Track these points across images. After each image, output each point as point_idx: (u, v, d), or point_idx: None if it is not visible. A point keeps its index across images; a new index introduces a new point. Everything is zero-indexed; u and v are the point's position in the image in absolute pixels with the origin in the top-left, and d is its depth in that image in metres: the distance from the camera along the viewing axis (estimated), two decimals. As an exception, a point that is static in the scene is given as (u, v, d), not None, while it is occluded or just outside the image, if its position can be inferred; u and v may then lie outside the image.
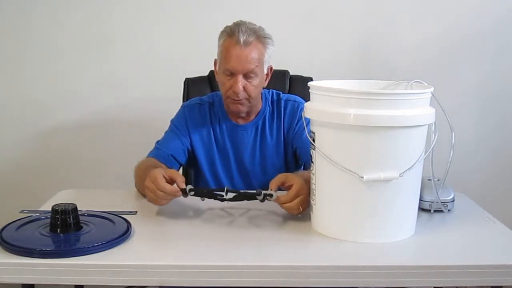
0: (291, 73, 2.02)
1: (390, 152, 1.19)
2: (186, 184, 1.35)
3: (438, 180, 1.40)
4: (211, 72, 1.72)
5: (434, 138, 1.23)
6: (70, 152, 2.49)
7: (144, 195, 1.48)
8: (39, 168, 2.49)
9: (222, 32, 1.63)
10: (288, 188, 1.34)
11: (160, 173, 1.35)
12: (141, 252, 1.18)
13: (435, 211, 1.41)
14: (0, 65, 2.42)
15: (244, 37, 1.55)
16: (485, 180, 2.56)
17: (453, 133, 1.24)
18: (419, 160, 1.21)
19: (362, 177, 1.17)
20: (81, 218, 1.25)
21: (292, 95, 1.80)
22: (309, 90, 1.28)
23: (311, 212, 1.32)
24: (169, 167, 1.64)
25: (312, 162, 1.28)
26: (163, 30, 2.41)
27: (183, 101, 1.92)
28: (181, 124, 1.72)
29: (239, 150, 1.72)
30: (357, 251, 1.19)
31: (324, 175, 1.25)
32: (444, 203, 1.41)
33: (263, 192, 1.32)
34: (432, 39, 2.45)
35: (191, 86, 1.98)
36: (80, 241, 1.20)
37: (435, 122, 1.23)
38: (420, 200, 1.33)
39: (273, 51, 1.64)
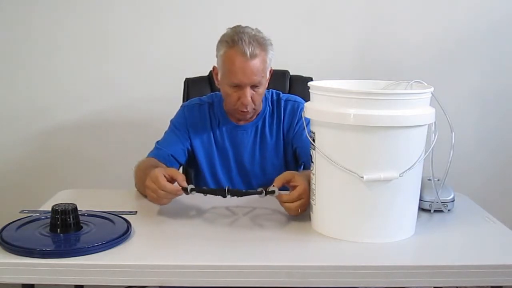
0: (291, 73, 2.02)
1: (390, 152, 1.19)
2: (187, 183, 1.35)
3: (438, 180, 1.40)
4: (211, 72, 1.72)
5: (434, 138, 1.23)
6: (70, 152, 2.49)
7: (144, 195, 1.48)
8: (39, 168, 2.50)
9: (222, 42, 1.59)
10: (292, 188, 1.34)
11: (160, 172, 1.35)
12: (141, 252, 1.18)
13: (435, 211, 1.41)
14: (0, 65, 2.42)
15: (250, 49, 1.52)
16: (485, 180, 2.56)
17: (453, 133, 1.24)
18: (419, 160, 1.21)
19: (362, 177, 1.17)
20: (81, 218, 1.25)
21: (292, 95, 1.80)
22: (309, 90, 1.28)
23: (311, 212, 1.32)
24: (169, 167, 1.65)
25: (312, 162, 1.28)
26: (163, 30, 2.41)
27: (183, 101, 1.92)
28: (180, 124, 1.72)
29: (239, 151, 1.72)
30: (357, 251, 1.19)
31: (324, 175, 1.25)
32: (444, 203, 1.41)
33: (266, 190, 1.32)
34: (432, 39, 2.45)
35: (191, 86, 1.98)
36: (80, 241, 1.20)
37: (435, 122, 1.23)
38: (420, 200, 1.33)
39: (273, 55, 1.62)
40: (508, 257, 1.18)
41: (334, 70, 2.41)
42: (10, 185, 2.49)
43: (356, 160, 1.19)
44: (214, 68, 1.68)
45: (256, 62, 1.55)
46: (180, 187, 1.33)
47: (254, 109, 1.64)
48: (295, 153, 1.72)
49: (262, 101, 1.71)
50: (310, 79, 1.93)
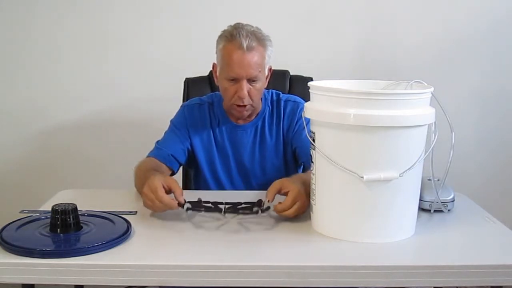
0: (291, 73, 2.02)
1: (390, 152, 1.19)
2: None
3: (438, 180, 1.40)
4: (211, 72, 1.72)
5: (434, 138, 1.23)
6: (70, 152, 2.49)
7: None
8: (39, 168, 2.50)
9: (221, 37, 1.61)
10: (286, 194, 1.34)
11: (160, 182, 1.33)
12: (141, 252, 1.18)
13: (435, 211, 1.41)
14: (0, 65, 2.42)
15: (247, 42, 1.54)
16: (485, 180, 2.56)
17: (453, 133, 1.24)
18: (419, 160, 1.21)
19: (362, 177, 1.17)
20: (81, 218, 1.25)
21: (291, 95, 1.80)
22: (309, 90, 1.28)
23: (311, 212, 1.32)
24: (169, 167, 1.65)
25: (312, 162, 1.28)
26: (163, 30, 2.41)
27: (183, 101, 1.92)
28: (181, 124, 1.72)
29: (239, 150, 1.72)
30: (357, 251, 1.18)
31: (324, 175, 1.25)
32: (444, 203, 1.41)
33: (260, 208, 1.31)
34: (432, 39, 2.45)
35: (191, 86, 1.98)
36: (80, 241, 1.20)
37: (435, 122, 1.23)
38: (420, 200, 1.33)
39: (272, 52, 1.63)
40: (508, 257, 1.18)
41: (334, 70, 2.41)
42: (10, 185, 2.50)
43: (356, 160, 1.19)
44: (213, 65, 1.68)
45: (253, 55, 1.56)
46: (177, 203, 1.32)
47: (252, 105, 1.64)
48: (294, 153, 1.72)
49: (261, 100, 1.71)
50: (310, 79, 1.93)
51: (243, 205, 1.36)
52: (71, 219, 1.21)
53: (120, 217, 1.31)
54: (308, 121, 1.30)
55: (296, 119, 1.71)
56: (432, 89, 1.23)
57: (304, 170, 1.74)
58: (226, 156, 1.72)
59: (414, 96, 1.21)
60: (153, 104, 2.42)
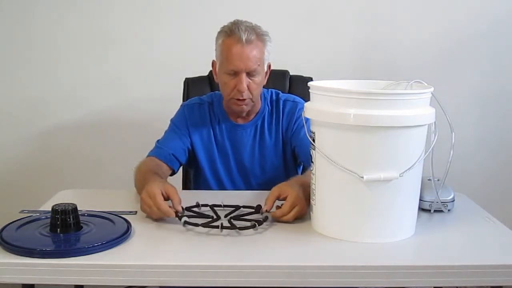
0: (291, 73, 2.02)
1: (390, 152, 1.19)
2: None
3: (438, 180, 1.40)
4: (211, 72, 1.72)
5: (434, 138, 1.23)
6: (70, 152, 2.49)
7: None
8: (39, 168, 2.49)
9: (220, 32, 1.62)
10: (284, 199, 1.34)
11: (159, 189, 1.32)
12: (141, 252, 1.18)
13: (435, 211, 1.41)
14: (0, 65, 2.42)
15: (246, 35, 1.56)
16: (485, 180, 2.56)
17: (453, 133, 1.24)
18: (419, 160, 1.21)
19: (362, 177, 1.17)
20: (81, 218, 1.25)
21: (291, 95, 1.80)
22: (309, 90, 1.28)
23: (311, 212, 1.32)
24: (170, 167, 1.65)
25: (312, 162, 1.28)
26: (163, 30, 2.41)
27: (183, 101, 1.92)
28: (181, 123, 1.72)
29: (239, 150, 1.72)
30: (357, 251, 1.19)
31: (324, 175, 1.25)
32: (444, 203, 1.41)
33: (258, 221, 1.29)
34: (432, 39, 2.45)
35: (191, 86, 1.98)
36: (80, 241, 1.20)
37: (435, 122, 1.23)
38: (420, 200, 1.33)
39: (271, 48, 1.64)
40: (508, 257, 1.18)
41: (334, 70, 2.41)
42: (10, 185, 2.49)
43: (356, 160, 1.19)
44: (213, 62, 1.69)
45: (252, 48, 1.57)
46: (174, 211, 1.31)
47: (251, 100, 1.64)
48: (294, 153, 1.72)
49: (260, 99, 1.71)
50: (310, 79, 1.93)
51: (242, 215, 1.35)
52: (71, 219, 1.21)
53: (120, 217, 1.31)
54: (307, 120, 1.30)
55: (294, 119, 1.71)
56: (432, 89, 1.23)
57: (303, 169, 1.74)
58: (226, 155, 1.72)
59: (414, 96, 1.21)
60: (153, 104, 2.42)
